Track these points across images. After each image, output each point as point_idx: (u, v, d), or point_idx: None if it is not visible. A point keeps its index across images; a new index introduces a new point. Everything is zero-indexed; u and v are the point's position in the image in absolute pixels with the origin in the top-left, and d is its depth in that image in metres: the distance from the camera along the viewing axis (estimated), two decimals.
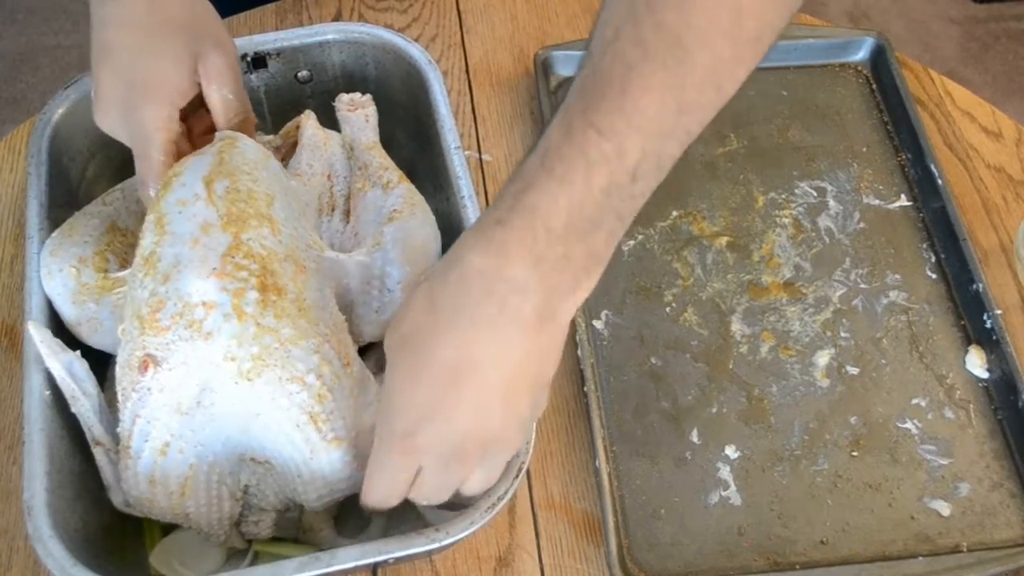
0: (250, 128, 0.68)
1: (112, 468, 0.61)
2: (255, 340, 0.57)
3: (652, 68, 0.43)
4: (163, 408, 0.57)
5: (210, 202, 0.61)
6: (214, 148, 0.65)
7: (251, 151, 0.66)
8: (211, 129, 0.67)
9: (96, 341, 0.65)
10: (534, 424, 0.58)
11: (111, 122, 0.65)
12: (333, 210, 0.73)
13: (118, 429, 0.59)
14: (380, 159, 0.74)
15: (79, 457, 0.62)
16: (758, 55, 0.46)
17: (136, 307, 0.60)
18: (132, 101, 0.64)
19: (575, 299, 0.49)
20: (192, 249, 0.59)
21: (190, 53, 0.64)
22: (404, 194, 0.70)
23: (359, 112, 0.76)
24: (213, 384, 0.57)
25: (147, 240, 0.61)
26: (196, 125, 0.68)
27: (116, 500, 0.61)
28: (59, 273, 0.64)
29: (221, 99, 0.66)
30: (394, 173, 0.72)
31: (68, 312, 0.64)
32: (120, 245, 0.66)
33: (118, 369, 0.60)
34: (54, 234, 0.66)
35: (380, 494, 0.54)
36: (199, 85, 0.65)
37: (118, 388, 0.60)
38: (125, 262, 0.66)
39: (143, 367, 0.58)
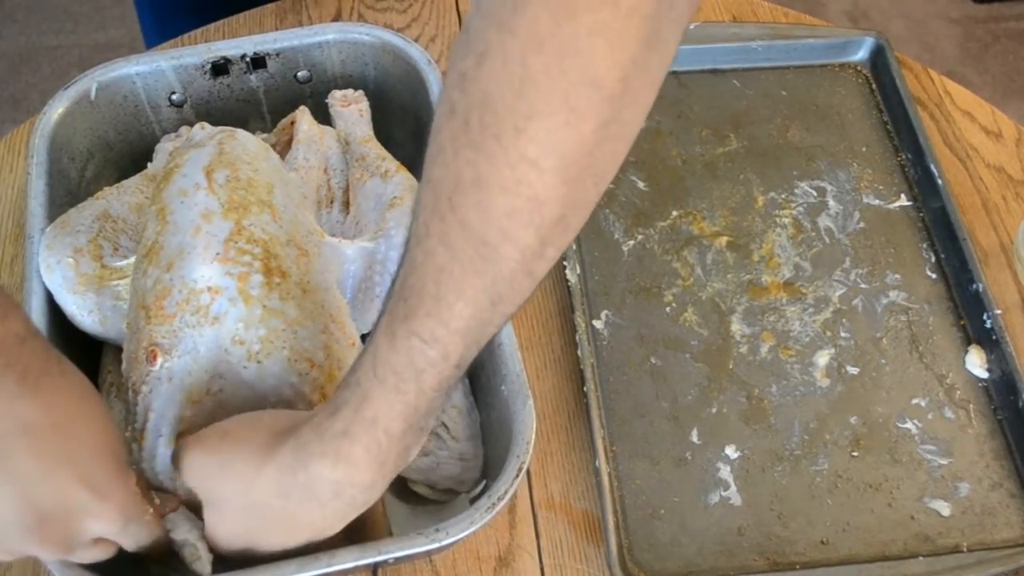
0: None
1: None
2: (262, 322, 0.57)
3: (462, 270, 0.43)
4: (174, 399, 0.57)
5: (211, 191, 0.61)
6: (214, 140, 0.65)
7: (251, 143, 0.66)
8: None
9: (98, 330, 0.65)
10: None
11: None
12: (332, 203, 0.73)
13: (127, 433, 0.59)
14: (376, 150, 0.74)
15: None
16: (568, 232, 0.44)
17: (140, 297, 0.60)
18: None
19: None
20: (194, 237, 0.59)
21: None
22: (403, 181, 0.70)
23: (352, 107, 0.76)
24: (222, 370, 0.57)
25: (149, 231, 0.61)
26: None
27: None
28: (58, 266, 0.64)
29: None
30: (391, 163, 0.72)
31: (70, 303, 0.64)
32: (112, 231, 0.66)
33: (125, 366, 0.60)
34: (49, 229, 0.66)
35: None
36: None
37: (127, 386, 0.59)
38: (118, 248, 0.66)
39: (151, 357, 0.58)
